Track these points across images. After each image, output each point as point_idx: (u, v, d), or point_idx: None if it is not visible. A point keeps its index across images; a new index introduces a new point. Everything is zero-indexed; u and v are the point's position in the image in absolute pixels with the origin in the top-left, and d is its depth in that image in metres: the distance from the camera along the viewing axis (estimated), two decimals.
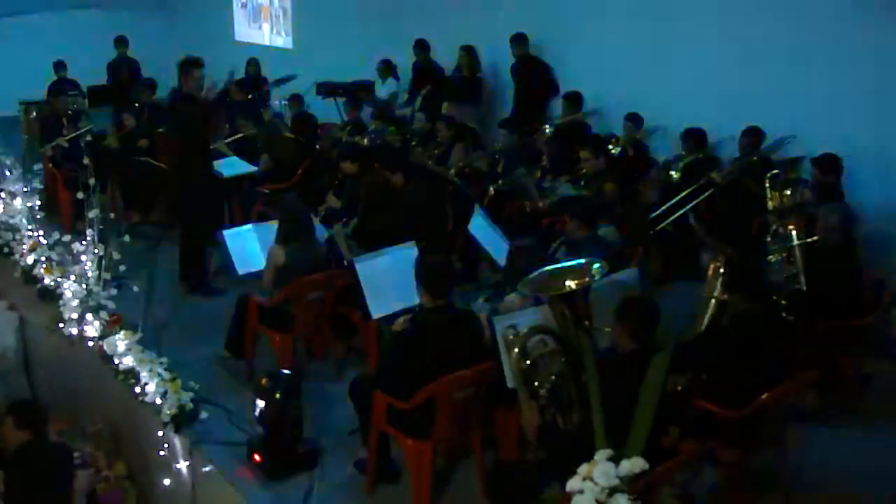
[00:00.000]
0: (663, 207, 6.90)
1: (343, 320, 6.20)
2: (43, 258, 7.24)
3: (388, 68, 10.76)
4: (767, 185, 6.37)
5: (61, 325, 6.44)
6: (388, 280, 5.62)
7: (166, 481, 5.40)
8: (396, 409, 4.62)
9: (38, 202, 7.87)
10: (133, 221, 8.89)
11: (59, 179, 9.10)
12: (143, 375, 5.61)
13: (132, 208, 9.09)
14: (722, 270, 5.08)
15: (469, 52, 9.90)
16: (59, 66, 11.73)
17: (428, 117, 9.41)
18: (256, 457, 5.04)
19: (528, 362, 4.19)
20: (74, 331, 6.36)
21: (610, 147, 7.91)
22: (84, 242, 6.53)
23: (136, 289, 6.38)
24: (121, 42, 12.21)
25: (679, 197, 6.94)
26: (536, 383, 4.19)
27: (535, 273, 4.62)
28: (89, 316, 6.31)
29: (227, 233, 6.51)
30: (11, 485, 4.90)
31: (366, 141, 8.87)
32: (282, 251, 5.89)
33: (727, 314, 4.89)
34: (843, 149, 6.75)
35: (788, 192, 6.28)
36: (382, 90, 10.80)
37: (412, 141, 9.05)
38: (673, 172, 7.49)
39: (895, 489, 4.87)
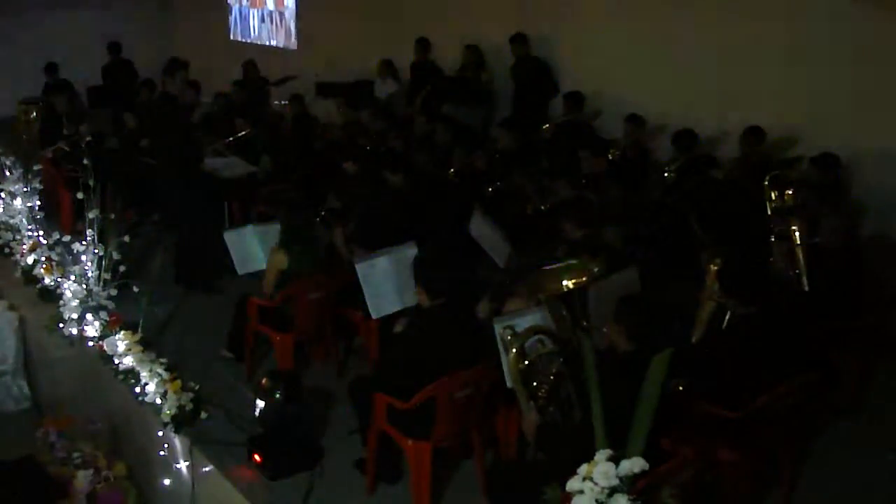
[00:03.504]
0: (663, 207, 6.91)
1: (343, 320, 6.21)
2: (43, 258, 7.24)
3: (388, 68, 10.75)
4: (767, 184, 6.37)
5: (61, 325, 6.44)
6: (388, 280, 5.63)
7: (166, 481, 5.41)
8: (396, 409, 4.62)
9: (38, 202, 7.87)
10: (133, 221, 8.88)
11: (59, 180, 9.09)
12: (143, 375, 5.62)
13: (132, 208, 9.08)
14: (719, 273, 5.07)
15: (473, 51, 9.89)
16: (51, 68, 11.72)
17: (428, 118, 9.40)
18: (256, 457, 5.04)
19: (526, 363, 4.19)
20: (74, 331, 6.36)
21: (609, 154, 7.87)
22: (84, 242, 6.53)
23: (136, 289, 6.38)
24: (113, 48, 12.20)
25: (677, 196, 6.94)
26: (535, 384, 4.19)
27: (533, 274, 4.62)
28: (89, 316, 6.31)
29: (227, 233, 6.52)
30: None
31: (366, 141, 8.86)
32: (284, 255, 5.89)
33: (727, 317, 4.89)
34: (843, 149, 6.75)
35: (789, 192, 6.27)
36: (382, 90, 10.79)
37: (412, 142, 9.04)
38: (666, 174, 7.47)
39: (895, 489, 4.88)
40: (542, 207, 6.97)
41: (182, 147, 7.28)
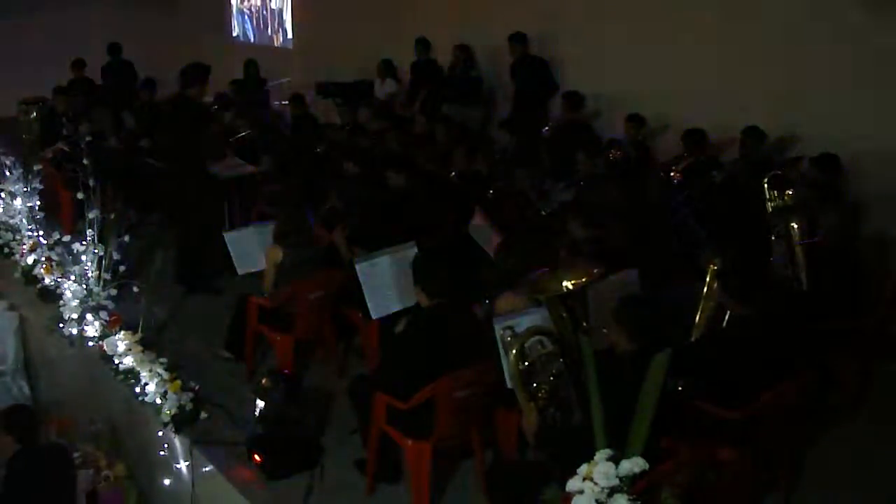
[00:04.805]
0: (664, 208, 6.91)
1: (343, 320, 6.21)
2: (43, 258, 7.25)
3: (388, 68, 10.75)
4: (767, 184, 6.37)
5: (61, 325, 6.45)
6: (388, 280, 5.63)
7: (166, 481, 5.41)
8: (396, 409, 4.62)
9: (38, 202, 7.87)
10: (133, 221, 8.88)
11: (59, 180, 9.09)
12: (143, 375, 5.62)
13: (132, 208, 9.08)
14: (719, 273, 5.07)
15: (464, 50, 9.90)
16: (79, 64, 11.72)
17: (428, 118, 9.41)
18: (256, 457, 5.04)
19: (526, 363, 4.19)
20: (74, 331, 6.37)
21: (611, 155, 7.87)
22: (84, 242, 6.53)
23: (136, 289, 6.38)
24: (114, 49, 12.21)
25: (679, 197, 6.94)
26: (535, 384, 4.19)
27: (534, 274, 4.62)
28: (89, 316, 6.32)
29: (227, 233, 6.51)
30: (8, 491, 4.91)
31: (366, 141, 8.86)
32: (279, 249, 5.90)
33: (727, 316, 4.89)
34: (843, 149, 6.75)
35: (789, 192, 6.28)
36: (382, 90, 10.80)
37: (412, 142, 9.05)
38: (673, 173, 7.46)
39: (895, 489, 4.88)
40: (542, 212, 6.96)
41: (193, 149, 7.27)
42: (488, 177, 7.70)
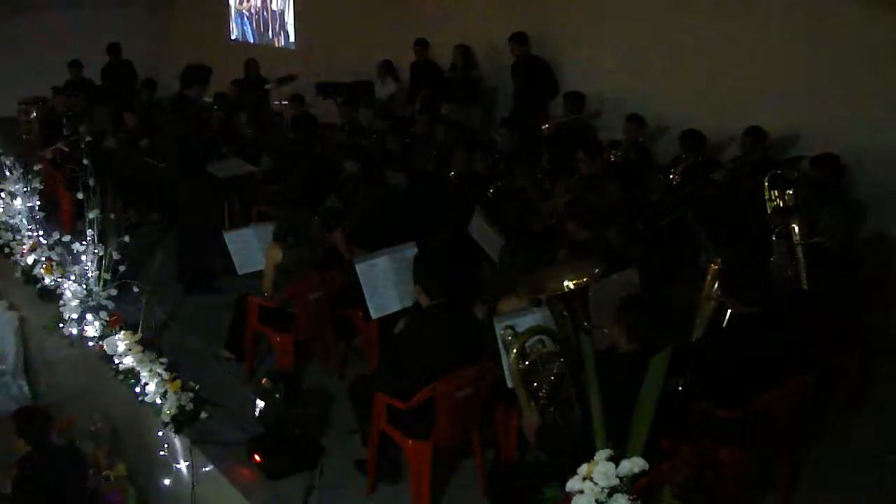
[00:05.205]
0: (664, 208, 6.91)
1: (343, 320, 6.21)
2: (43, 258, 7.25)
3: (388, 68, 10.75)
4: (767, 184, 6.37)
5: (61, 325, 6.44)
6: (388, 280, 5.63)
7: (166, 481, 5.41)
8: (396, 409, 4.62)
9: (38, 202, 7.87)
10: (133, 221, 8.88)
11: (59, 180, 9.09)
12: (143, 375, 5.62)
13: (132, 208, 9.08)
14: (719, 273, 5.07)
15: (464, 51, 9.90)
16: (75, 64, 11.72)
17: (428, 119, 9.41)
18: (256, 457, 5.04)
19: (526, 363, 4.18)
20: (74, 331, 6.36)
21: (612, 156, 7.86)
22: (84, 242, 6.53)
23: (136, 289, 6.38)
24: (113, 49, 12.20)
25: (679, 198, 6.94)
26: (535, 384, 4.19)
27: (534, 274, 4.62)
28: (89, 316, 6.32)
29: (226, 234, 6.52)
30: (20, 492, 4.92)
31: (366, 141, 8.86)
32: (278, 248, 5.90)
33: (726, 316, 4.88)
34: (843, 149, 6.75)
35: (789, 192, 6.28)
36: (382, 90, 10.80)
37: (412, 142, 9.04)
38: (672, 175, 7.46)
39: (895, 489, 4.88)
40: (546, 222, 6.95)
41: (193, 149, 7.28)
42: (488, 177, 7.70)
